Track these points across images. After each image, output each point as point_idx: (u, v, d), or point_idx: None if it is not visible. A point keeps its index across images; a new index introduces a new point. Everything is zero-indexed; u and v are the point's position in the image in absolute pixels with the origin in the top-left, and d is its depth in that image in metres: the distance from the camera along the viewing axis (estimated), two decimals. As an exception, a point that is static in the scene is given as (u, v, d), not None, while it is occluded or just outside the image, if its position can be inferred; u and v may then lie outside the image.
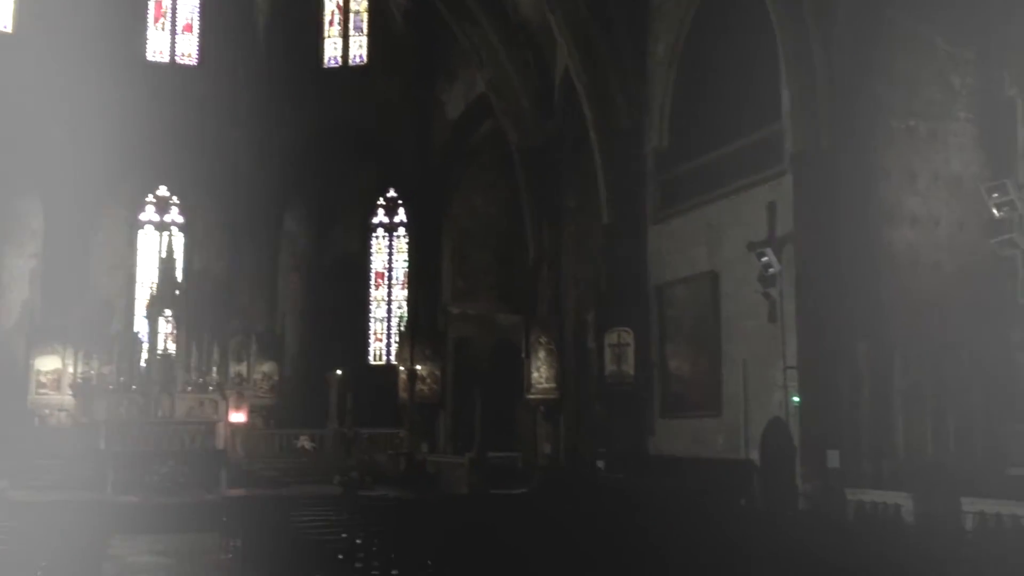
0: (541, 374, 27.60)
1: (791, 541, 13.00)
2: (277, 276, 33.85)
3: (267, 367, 31.18)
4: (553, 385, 27.40)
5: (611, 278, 24.71)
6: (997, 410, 17.15)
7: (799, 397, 18.09)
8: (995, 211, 15.44)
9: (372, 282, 35.12)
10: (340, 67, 34.47)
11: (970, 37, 18.28)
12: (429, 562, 10.47)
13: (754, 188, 20.01)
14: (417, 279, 33.78)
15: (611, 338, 23.92)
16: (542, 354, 27.63)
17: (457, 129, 32.60)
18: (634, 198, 24.16)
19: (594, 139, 24.53)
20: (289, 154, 33.09)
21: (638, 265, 24.00)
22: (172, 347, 28.36)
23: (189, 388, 27.50)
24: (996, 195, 15.29)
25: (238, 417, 27.79)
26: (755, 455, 19.70)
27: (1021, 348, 17.01)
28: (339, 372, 28.92)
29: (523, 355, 27.54)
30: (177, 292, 28.27)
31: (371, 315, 35.00)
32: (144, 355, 27.70)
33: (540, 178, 28.37)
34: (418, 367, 30.88)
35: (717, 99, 21.65)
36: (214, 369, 28.15)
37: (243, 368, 29.42)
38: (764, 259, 18.69)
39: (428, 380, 31.17)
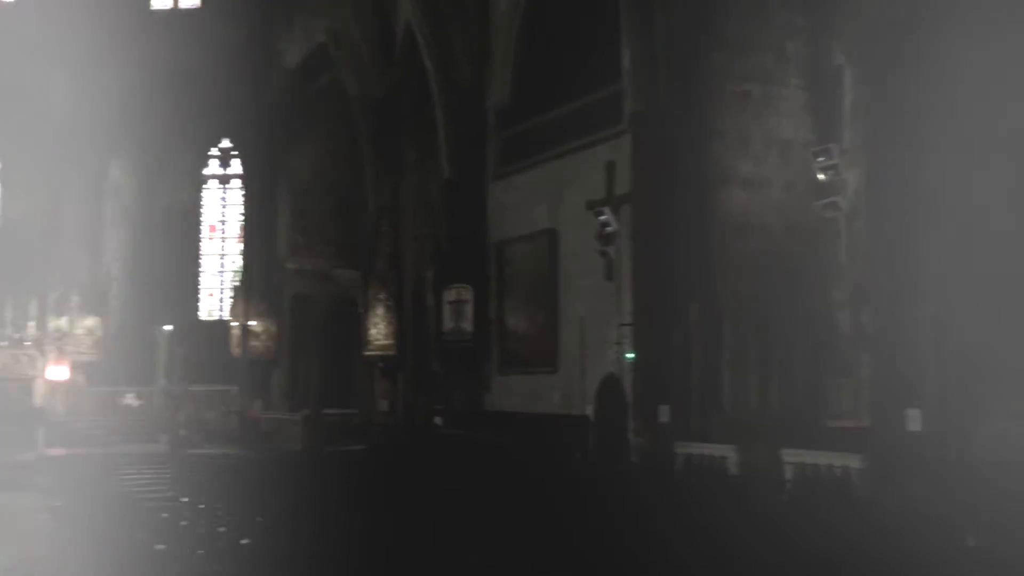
0: (379, 331, 27.33)
1: (620, 492, 13.27)
2: (103, 228, 32.20)
3: (90, 322, 29.70)
4: (391, 342, 27.19)
5: (451, 234, 24.58)
6: (819, 366, 17.95)
7: (633, 354, 18.45)
8: (821, 175, 16.03)
9: (204, 235, 33.90)
10: (171, 9, 32.87)
11: (803, 4, 18.86)
12: (259, 519, 10.16)
13: (594, 147, 20.19)
14: (252, 233, 32.81)
15: (450, 295, 23.86)
16: (380, 310, 27.35)
17: (295, 79, 31.64)
18: (475, 154, 24.05)
19: (435, 92, 24.24)
20: (114, 100, 31.36)
21: (478, 222, 23.96)
22: (-16, 300, 26.68)
23: (4, 343, 25.96)
24: (822, 159, 15.88)
25: (58, 373, 26.43)
26: (590, 411, 20.03)
27: (843, 307, 17.83)
28: (168, 327, 27.85)
29: (361, 311, 27.18)
30: (-9, 242, 26.55)
31: (203, 269, 33.82)
32: (-48, 308, 25.97)
33: (381, 131, 27.90)
34: (252, 323, 30.07)
35: (560, 56, 21.69)
36: (31, 324, 26.64)
37: (64, 323, 27.97)
38: (602, 218, 18.92)
39: (263, 336, 30.41)
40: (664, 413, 17.58)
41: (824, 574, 8.52)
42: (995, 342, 14.42)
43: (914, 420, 14.15)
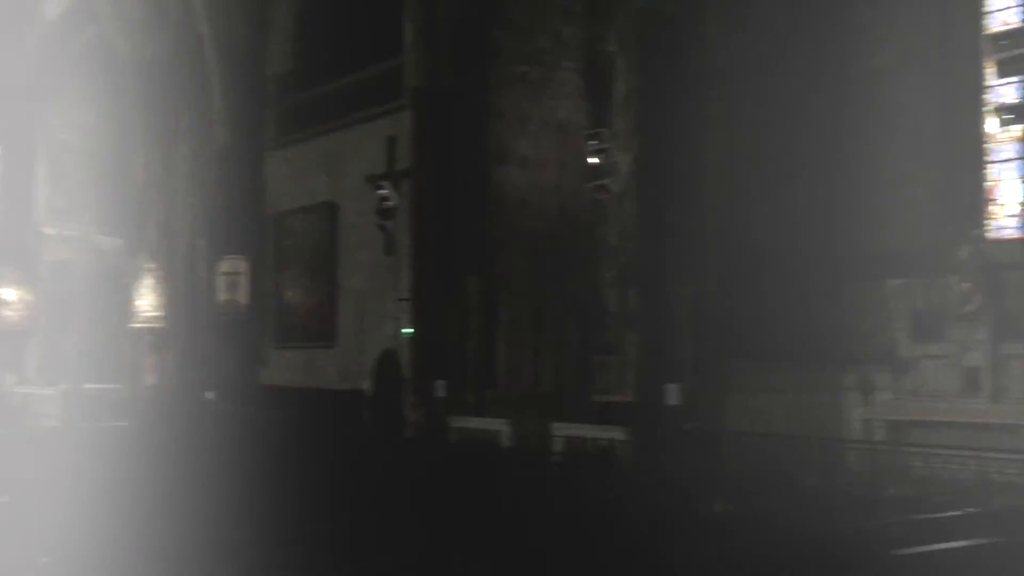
0: (147, 302, 26.11)
1: (394, 466, 13.35)
2: None
3: None
4: (160, 313, 26.05)
5: (226, 204, 23.82)
6: (589, 343, 18.68)
7: (411, 329, 18.54)
8: (592, 158, 16.61)
9: (-51, 196, 31.26)
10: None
11: (579, -10, 19.40)
12: (3, 499, 9.57)
13: (375, 120, 20.06)
14: (4, 195, 30.54)
15: (224, 266, 23.15)
16: (149, 281, 26.13)
17: (56, 32, 29.60)
18: (253, 122, 23.38)
19: (211, 56, 23.35)
20: None
21: (255, 192, 23.35)
22: None
23: None
24: (594, 142, 16.45)
25: None
26: (367, 386, 19.99)
27: (612, 285, 18.57)
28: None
29: (127, 281, 25.91)
30: None
31: (-52, 233, 31.23)
32: None
33: (152, 93, 26.54)
34: (4, 291, 28.07)
35: (342, 27, 21.37)
36: None
37: None
38: (382, 192, 18.85)
39: (16, 305, 28.44)
40: (440, 388, 17.79)
41: (578, 538, 8.90)
42: (744, 321, 15.46)
43: (673, 394, 14.96)
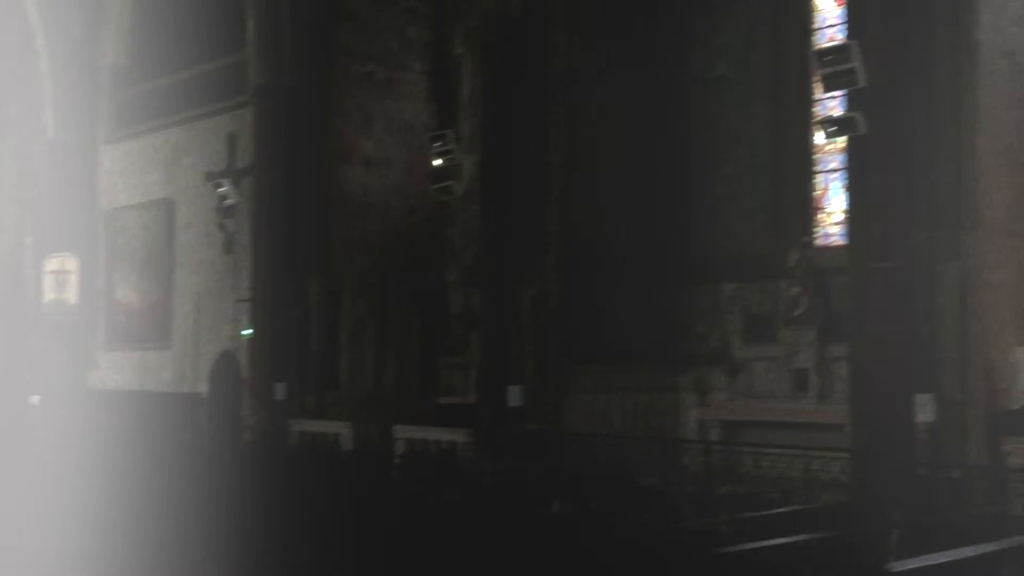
0: (-33, 302, 24.65)
1: (231, 471, 12.95)
2: None
3: None
4: (-18, 314, 24.63)
5: (55, 199, 22.68)
6: (433, 345, 18.60)
7: (251, 330, 18.06)
8: (437, 159, 16.54)
9: None
10: None
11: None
12: None
13: (215, 116, 19.47)
14: None
15: (52, 264, 22.03)
16: (-31, 279, 24.66)
17: None
18: (85, 114, 22.33)
19: (41, 45, 22.21)
20: None
21: (87, 187, 22.31)
22: None
23: None
24: (439, 144, 16.37)
25: None
26: (204, 388, 19.37)
27: (455, 287, 18.56)
28: None
29: (-55, 280, 24.39)
30: None
31: None
32: None
33: (-26, 81, 25.08)
34: None
35: (182, 19, 20.60)
36: None
37: None
38: (222, 190, 18.30)
39: None
40: (280, 391, 17.38)
41: (407, 538, 8.82)
42: (585, 322, 15.68)
43: (514, 396, 15.03)
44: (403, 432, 16.06)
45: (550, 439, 15.14)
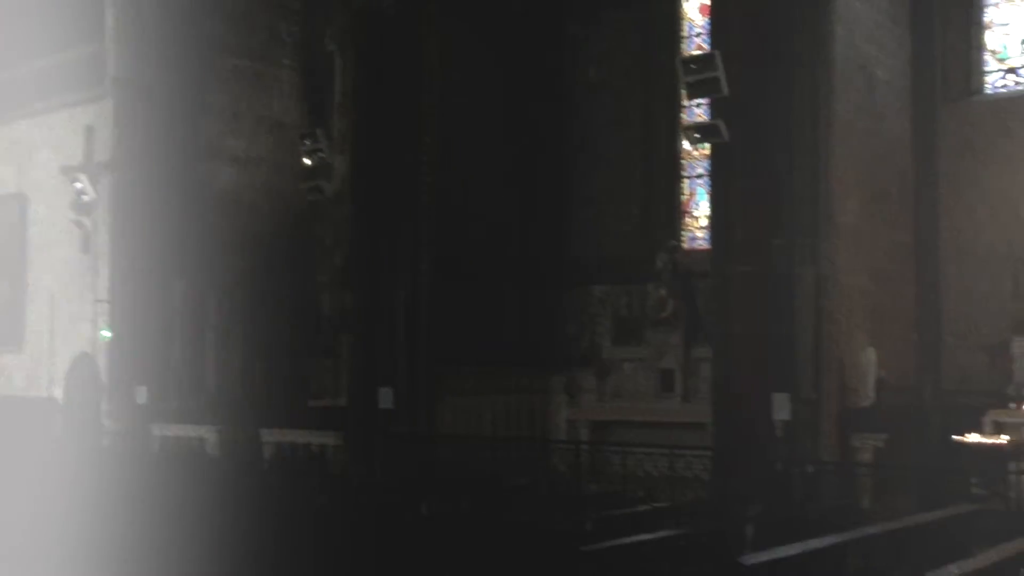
0: None
1: (89, 476, 12.50)
2: None
3: None
4: None
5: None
6: (303, 347, 18.31)
7: (110, 332, 17.42)
8: (306, 158, 16.28)
9: None
10: None
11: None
12: None
13: (72, 108, 18.64)
14: None
15: None
16: None
17: None
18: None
19: None
20: None
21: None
22: None
23: None
24: (308, 142, 16.12)
25: None
26: (60, 392, 18.58)
27: (325, 289, 18.33)
28: None
29: None
30: None
31: None
32: None
33: None
34: None
35: (37, 6, 19.72)
36: None
37: None
38: (78, 185, 17.56)
39: None
40: (142, 394, 16.81)
41: (271, 544, 8.69)
42: (457, 324, 15.70)
43: (386, 398, 14.94)
44: (271, 436, 15.79)
45: (422, 441, 15.11)
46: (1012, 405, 14.19)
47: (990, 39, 16.18)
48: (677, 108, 18.24)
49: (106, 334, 17.41)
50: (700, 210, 18.36)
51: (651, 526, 8.81)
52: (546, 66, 18.79)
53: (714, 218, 14.27)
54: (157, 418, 16.70)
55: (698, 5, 18.39)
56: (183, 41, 17.35)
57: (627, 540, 7.82)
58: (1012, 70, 16.02)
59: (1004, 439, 12.66)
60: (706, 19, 17.51)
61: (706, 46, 16.19)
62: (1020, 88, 15.91)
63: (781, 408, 12.40)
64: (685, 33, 18.73)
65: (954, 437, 12.97)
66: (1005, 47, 16.07)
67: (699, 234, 18.35)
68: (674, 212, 18.68)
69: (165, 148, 17.20)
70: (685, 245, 18.30)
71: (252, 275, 17.90)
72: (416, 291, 15.50)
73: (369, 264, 15.53)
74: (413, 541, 9.07)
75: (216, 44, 17.86)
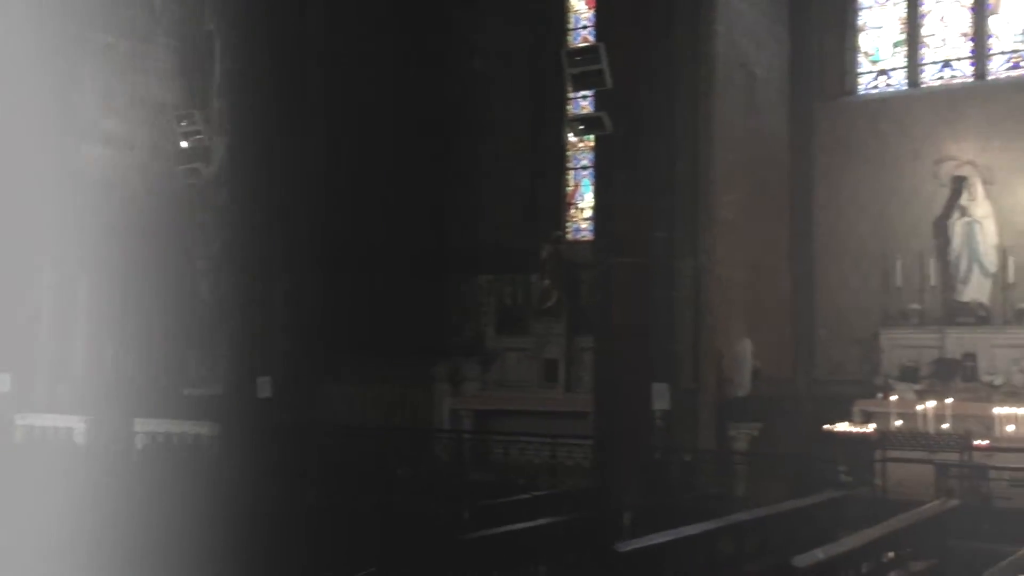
0: None
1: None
2: None
3: None
4: None
5: None
6: (180, 334, 17.80)
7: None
8: (183, 141, 15.80)
9: None
10: None
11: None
12: None
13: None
14: None
15: None
16: None
17: None
18: None
19: None
20: None
21: None
22: None
23: None
24: (185, 124, 15.64)
25: None
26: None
27: (205, 275, 17.84)
28: None
29: None
30: None
31: None
32: None
33: None
34: None
35: None
36: None
37: None
38: (-60, 163, 16.67)
39: None
40: (5, 382, 16.09)
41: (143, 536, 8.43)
42: (340, 312, 15.50)
43: (265, 387, 14.65)
44: (144, 425, 15.31)
45: (302, 430, 14.86)
46: (879, 395, 14.74)
47: (864, 41, 16.73)
48: (564, 99, 18.35)
49: (-35, 320, 16.60)
50: (585, 202, 18.52)
51: (530, 514, 8.85)
52: (433, 55, 18.67)
53: (597, 210, 14.42)
54: (22, 407, 16.01)
55: (585, -2, 18.55)
56: (51, 15, 16.57)
57: (505, 528, 7.83)
58: (884, 72, 16.60)
59: (871, 428, 13.14)
60: (592, 12, 17.64)
61: (592, 39, 16.30)
62: (891, 90, 16.51)
63: (660, 398, 12.62)
64: (572, 25, 18.85)
65: (825, 426, 13.42)
66: (877, 50, 16.64)
67: (583, 225, 18.52)
68: (559, 203, 18.81)
69: (31, 126, 16.43)
70: (569, 236, 18.45)
71: (127, 260, 17.28)
72: (297, 278, 15.24)
73: (249, 250, 15.19)
74: (291, 531, 8.92)
75: (87, 19, 17.10)
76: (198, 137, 15.54)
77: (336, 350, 15.93)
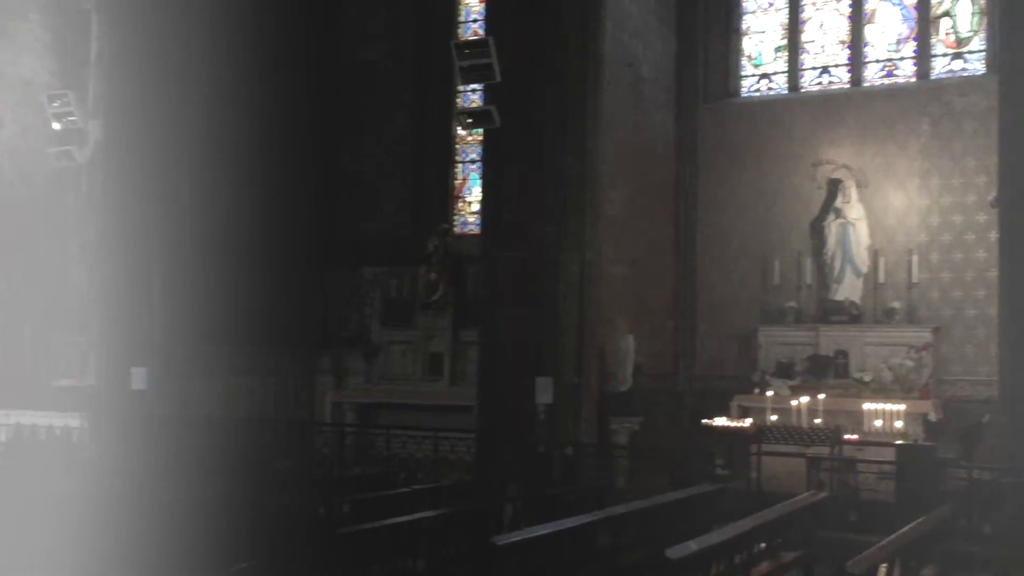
0: None
1: None
2: None
3: None
4: None
5: None
6: (49, 322, 17.12)
7: None
8: (55, 122, 15.16)
9: None
10: None
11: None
12: None
13: None
14: None
15: None
16: None
17: None
18: None
19: None
20: None
21: None
22: None
23: None
24: (57, 105, 15.01)
25: None
26: None
27: (78, 262, 17.17)
28: None
29: None
30: None
31: None
32: None
33: None
34: None
35: None
36: None
37: None
38: None
39: None
40: None
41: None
42: (217, 304, 15.08)
43: (139, 378, 14.18)
44: (10, 417, 14.67)
45: (178, 423, 14.43)
46: (756, 391, 15.12)
47: (748, 45, 17.12)
48: (452, 93, 18.27)
49: None
50: (473, 195, 18.48)
51: (410, 508, 8.78)
52: (321, 44, 18.35)
53: (485, 203, 14.40)
54: None
55: (476, -9, 18.49)
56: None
57: (384, 522, 7.73)
58: (766, 76, 17.01)
59: (748, 422, 13.46)
60: (483, 5, 17.61)
61: (482, 32, 16.28)
62: (773, 93, 16.94)
63: (544, 392, 12.67)
64: (462, 18, 18.78)
65: (703, 421, 13.68)
66: (760, 54, 17.05)
67: (471, 219, 18.48)
68: (447, 196, 18.73)
69: None
70: (457, 229, 18.39)
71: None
72: (174, 267, 14.77)
73: (123, 237, 14.67)
74: (164, 527, 8.63)
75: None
76: (71, 119, 14.92)
77: (216, 341, 15.51)
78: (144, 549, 8.23)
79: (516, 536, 6.77)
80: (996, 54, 13.90)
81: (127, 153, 14.67)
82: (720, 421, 13.55)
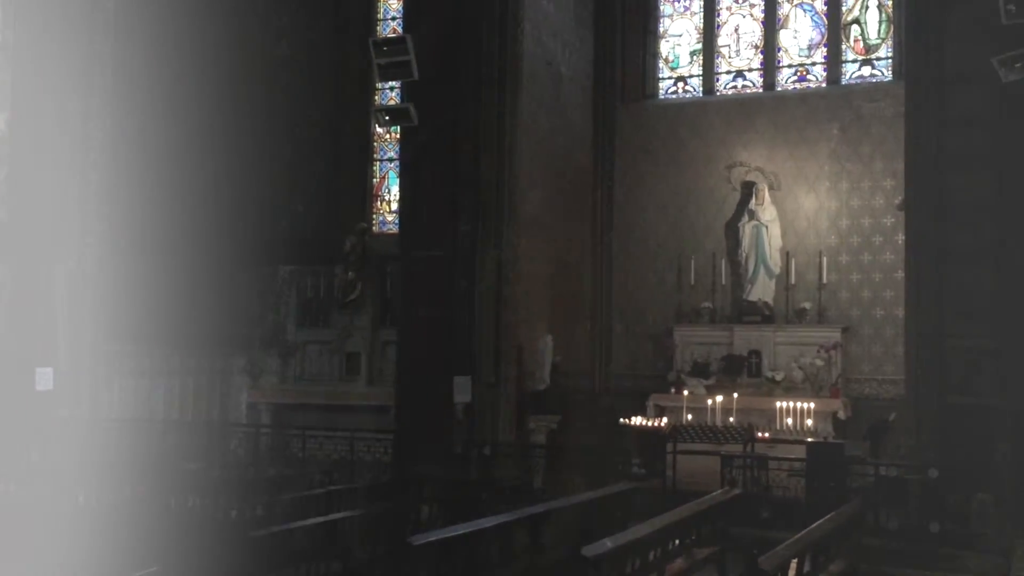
0: None
1: None
2: None
3: None
4: None
5: None
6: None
7: None
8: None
9: None
10: None
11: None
12: None
13: None
14: None
15: None
16: None
17: None
18: None
19: None
20: None
21: None
22: None
23: None
24: None
25: None
26: None
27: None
28: None
29: None
30: None
31: None
32: None
33: None
34: None
35: None
36: None
37: None
38: None
39: None
40: None
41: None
42: (127, 303, 14.72)
43: (45, 379, 13.74)
44: None
45: (85, 425, 14.04)
46: (673, 390, 15.31)
47: (665, 48, 17.32)
48: (372, 90, 18.12)
49: None
50: (391, 194, 18.35)
51: (326, 509, 8.66)
52: (235, 39, 18.00)
53: (403, 202, 14.31)
54: None
55: (395, -12, 18.36)
56: None
57: (299, 523, 7.61)
58: (683, 79, 17.23)
59: (664, 421, 13.60)
60: (401, 3, 17.52)
61: (401, 30, 16.18)
62: (689, 96, 17.16)
63: (462, 391, 12.62)
64: (381, 15, 18.64)
65: (621, 420, 13.79)
66: (677, 57, 17.26)
67: (389, 218, 18.36)
68: (365, 195, 18.56)
69: None
70: (375, 228, 18.24)
71: None
72: (81, 264, 14.38)
73: (26, 233, 14.20)
74: (69, 530, 8.38)
75: None
76: (-27, 111, 14.42)
77: (126, 341, 15.13)
78: (46, 555, 7.99)
79: (433, 536, 6.72)
80: (903, 61, 14.28)
81: (32, 148, 14.21)
82: (637, 420, 13.68)
